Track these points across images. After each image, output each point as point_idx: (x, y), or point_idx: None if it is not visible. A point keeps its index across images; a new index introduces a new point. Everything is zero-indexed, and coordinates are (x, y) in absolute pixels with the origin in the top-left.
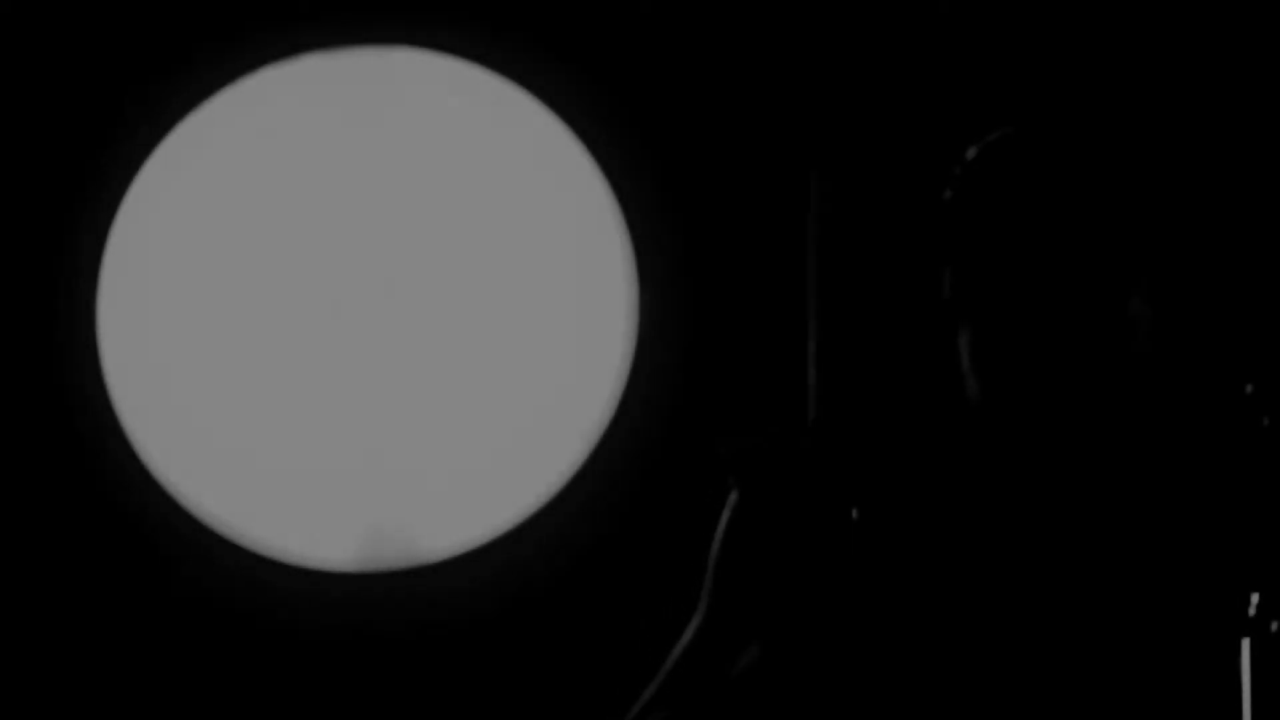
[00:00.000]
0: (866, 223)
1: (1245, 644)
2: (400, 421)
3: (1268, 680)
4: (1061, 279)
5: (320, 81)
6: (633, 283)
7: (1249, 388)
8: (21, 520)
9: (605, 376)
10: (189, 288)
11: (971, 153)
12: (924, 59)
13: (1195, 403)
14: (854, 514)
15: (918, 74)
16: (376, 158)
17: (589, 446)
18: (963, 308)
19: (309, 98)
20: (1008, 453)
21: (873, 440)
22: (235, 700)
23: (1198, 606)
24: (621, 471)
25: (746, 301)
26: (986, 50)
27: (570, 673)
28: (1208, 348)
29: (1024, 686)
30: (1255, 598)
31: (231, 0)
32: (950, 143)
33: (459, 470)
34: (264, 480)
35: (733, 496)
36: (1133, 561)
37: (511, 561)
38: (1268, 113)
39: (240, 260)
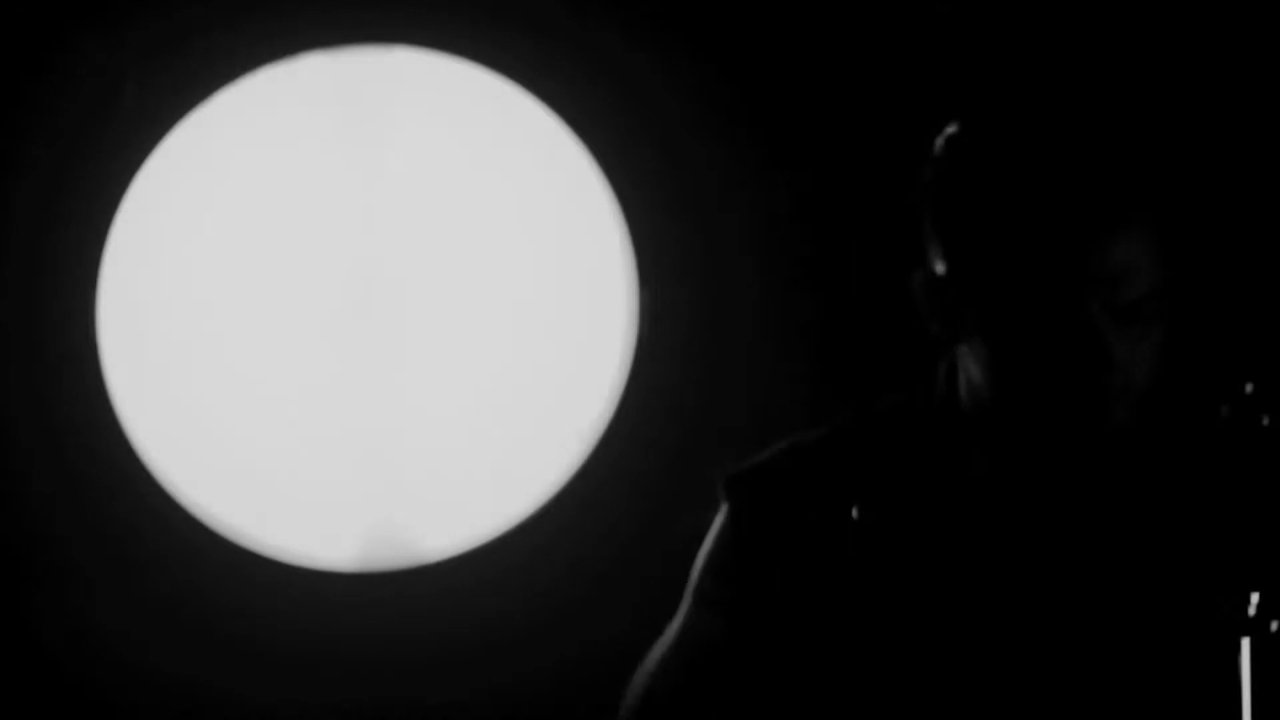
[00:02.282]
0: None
1: (1245, 644)
2: (400, 421)
3: (1268, 680)
4: (1049, 237)
5: (320, 80)
6: (633, 282)
7: (1249, 387)
8: (21, 519)
9: (605, 376)
10: (189, 287)
11: (948, 132)
12: (924, 59)
13: (1195, 401)
14: (854, 513)
15: (918, 73)
16: (376, 157)
17: (589, 446)
18: (962, 285)
19: (309, 97)
20: (1009, 447)
21: (874, 443)
22: (235, 700)
23: (1198, 606)
24: (621, 471)
25: (746, 301)
26: (986, 50)
27: (570, 672)
28: (1207, 347)
29: (1024, 686)
30: (1255, 597)
31: None
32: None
33: (459, 470)
34: (264, 480)
35: (722, 512)
36: (1132, 560)
37: (512, 561)
38: (1271, 115)
39: (240, 259)
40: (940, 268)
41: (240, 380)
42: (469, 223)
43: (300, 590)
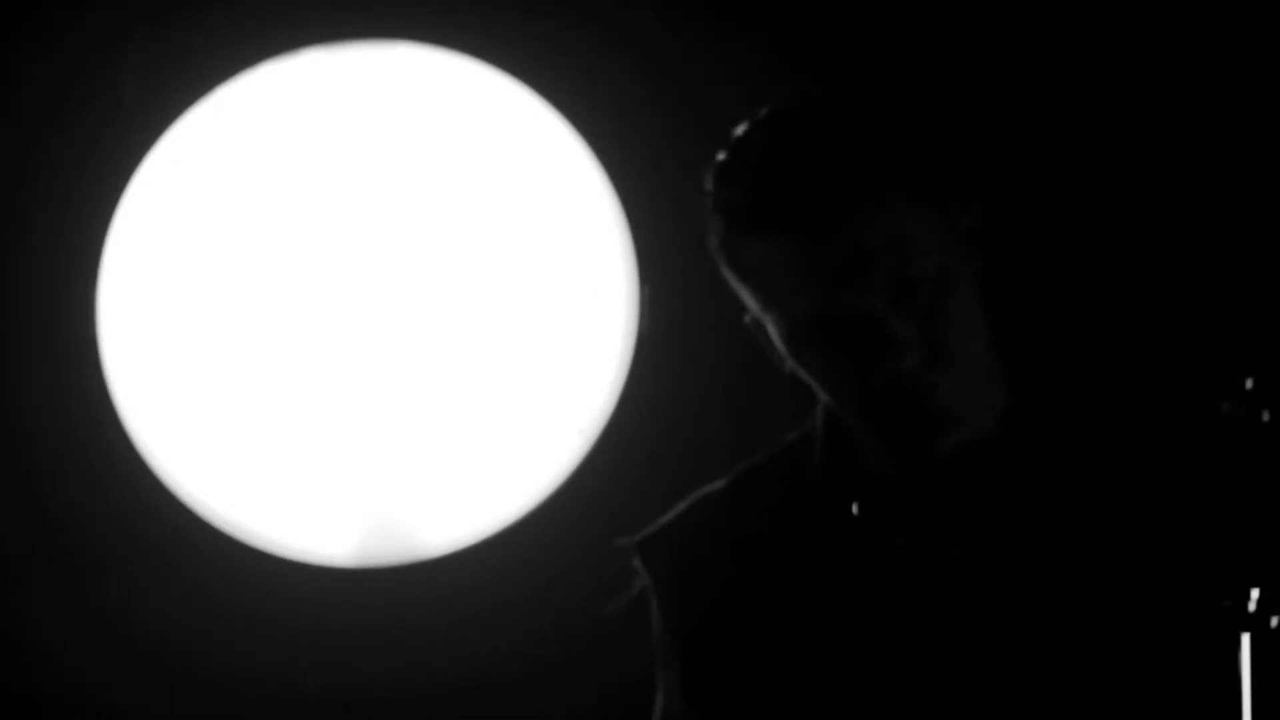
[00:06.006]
0: None
1: (1245, 639)
2: (400, 417)
3: (1268, 677)
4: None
5: (321, 77)
6: (633, 278)
7: (1249, 382)
8: (21, 516)
9: (606, 372)
10: (189, 284)
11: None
12: (924, 59)
13: (1195, 398)
14: (854, 509)
15: (918, 74)
16: (377, 153)
17: (589, 443)
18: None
19: (309, 93)
20: (1003, 450)
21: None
22: (233, 695)
23: (1198, 602)
24: (622, 468)
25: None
26: (986, 50)
27: (568, 670)
28: (1207, 342)
29: (1023, 684)
30: (1255, 593)
31: None
32: (949, 140)
33: (459, 466)
34: (263, 475)
35: (650, 590)
36: (1133, 557)
37: (511, 558)
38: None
39: (240, 256)
40: (751, 309)
41: (239, 376)
42: (469, 219)
43: (299, 585)
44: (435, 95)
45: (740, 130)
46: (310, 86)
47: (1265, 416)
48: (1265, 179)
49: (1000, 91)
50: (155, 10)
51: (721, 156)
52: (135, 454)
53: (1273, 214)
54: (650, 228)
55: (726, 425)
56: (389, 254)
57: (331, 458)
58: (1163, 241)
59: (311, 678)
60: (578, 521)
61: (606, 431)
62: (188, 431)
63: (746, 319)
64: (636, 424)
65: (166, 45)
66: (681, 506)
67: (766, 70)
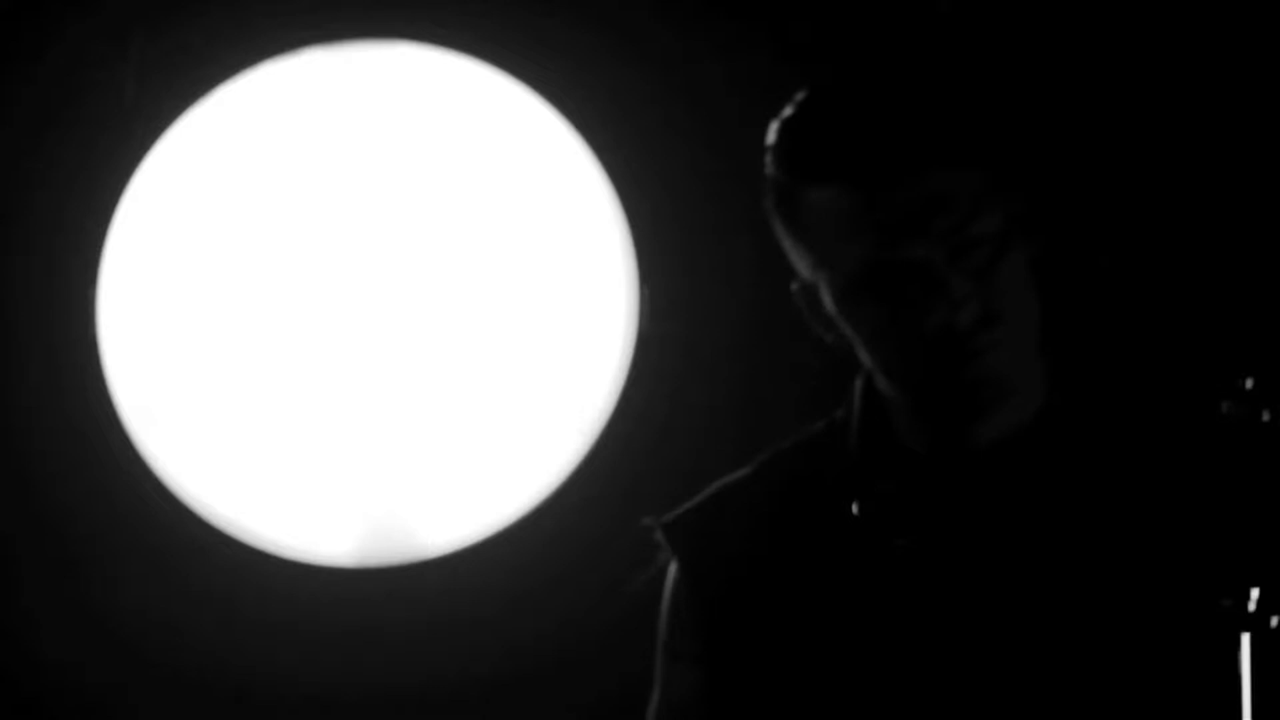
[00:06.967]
0: None
1: (1245, 639)
2: (400, 417)
3: (1268, 676)
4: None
5: (321, 77)
6: (633, 278)
7: (1248, 382)
8: (21, 516)
9: (606, 372)
10: (189, 284)
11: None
12: (924, 59)
13: (1194, 397)
14: (855, 509)
15: (918, 73)
16: (377, 154)
17: (589, 442)
18: (812, 281)
19: (309, 93)
20: (1005, 447)
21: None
22: (233, 695)
23: (1198, 602)
24: (622, 467)
25: (746, 297)
26: (986, 50)
27: (568, 670)
28: (1207, 342)
29: (1024, 682)
30: (1255, 593)
31: None
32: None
33: (460, 466)
34: (263, 475)
35: (671, 568)
36: (1132, 557)
37: (511, 558)
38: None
39: (240, 256)
40: (803, 272)
41: (240, 376)
42: (470, 219)
43: (299, 585)
44: (435, 95)
45: (804, 92)
46: (310, 86)
47: (1265, 416)
48: (1266, 179)
49: (1041, 87)
50: (156, 10)
51: (787, 112)
52: (135, 454)
53: (1273, 214)
54: (650, 228)
55: (726, 425)
56: (389, 254)
57: (331, 458)
58: (1175, 241)
59: (311, 678)
60: (578, 521)
61: (606, 431)
62: (188, 432)
63: (794, 286)
64: (636, 424)
65: (167, 45)
66: (704, 493)
67: (766, 70)
